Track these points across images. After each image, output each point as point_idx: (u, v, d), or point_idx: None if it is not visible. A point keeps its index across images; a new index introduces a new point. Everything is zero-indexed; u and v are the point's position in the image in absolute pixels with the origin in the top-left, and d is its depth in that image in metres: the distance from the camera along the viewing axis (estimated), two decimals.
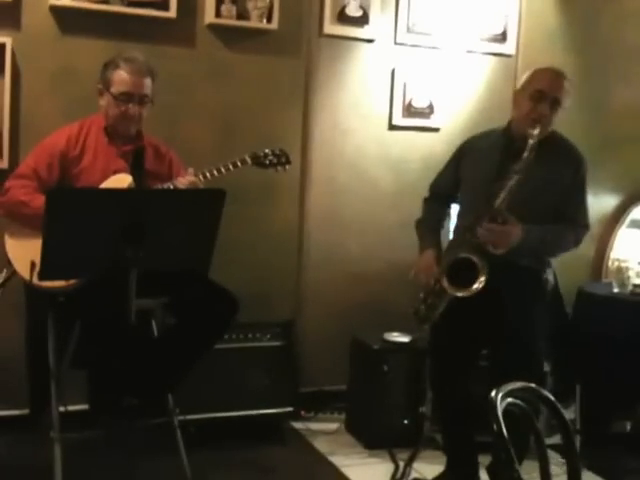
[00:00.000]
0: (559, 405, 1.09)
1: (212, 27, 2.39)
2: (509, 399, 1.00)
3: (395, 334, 2.43)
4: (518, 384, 1.03)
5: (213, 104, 2.42)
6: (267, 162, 1.98)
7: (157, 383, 1.87)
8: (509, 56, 2.76)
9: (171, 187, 1.85)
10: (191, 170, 1.88)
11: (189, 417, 2.10)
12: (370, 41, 2.61)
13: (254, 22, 2.41)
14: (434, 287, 1.85)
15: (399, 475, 2.15)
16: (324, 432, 2.42)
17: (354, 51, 2.60)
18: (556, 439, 1.15)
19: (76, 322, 1.80)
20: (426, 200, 2.08)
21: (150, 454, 1.63)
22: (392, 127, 2.66)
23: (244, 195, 2.31)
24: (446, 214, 2.06)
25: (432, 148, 2.65)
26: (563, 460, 1.14)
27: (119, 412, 1.68)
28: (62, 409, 1.79)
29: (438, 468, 2.08)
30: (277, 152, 1.99)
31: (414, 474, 2.17)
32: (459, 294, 1.78)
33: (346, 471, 2.16)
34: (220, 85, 2.42)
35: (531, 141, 1.75)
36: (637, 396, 2.43)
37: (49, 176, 1.84)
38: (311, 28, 2.52)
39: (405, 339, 2.41)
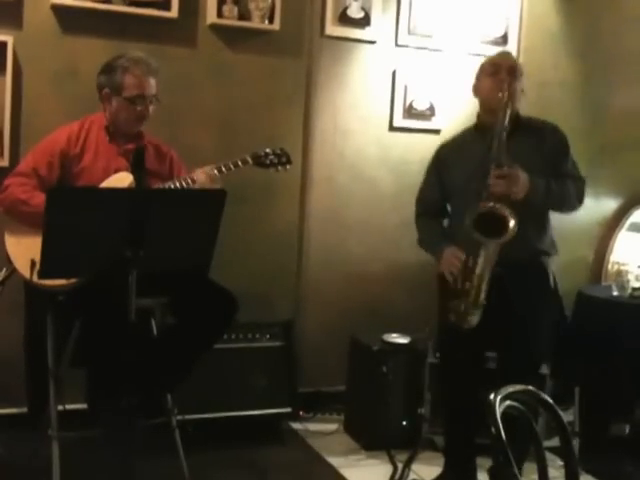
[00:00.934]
0: (557, 408, 1.09)
1: (214, 27, 2.40)
2: (508, 402, 1.00)
3: (394, 335, 2.43)
4: (517, 387, 1.03)
5: (214, 104, 2.42)
6: (268, 162, 1.98)
7: (156, 383, 1.87)
8: None
9: (172, 186, 1.85)
10: (210, 167, 1.88)
11: (187, 417, 2.10)
12: (371, 43, 2.61)
13: (256, 23, 2.41)
14: (467, 265, 1.76)
15: (397, 476, 2.15)
16: (322, 433, 2.42)
17: (355, 52, 2.60)
18: (555, 441, 1.14)
19: (75, 321, 1.80)
20: (418, 217, 2.04)
21: (148, 454, 1.63)
22: (392, 128, 2.67)
23: (245, 195, 2.32)
24: (443, 225, 2.03)
25: (432, 150, 2.62)
26: (562, 463, 1.14)
27: (117, 411, 1.68)
28: (60, 408, 1.79)
29: (436, 470, 2.08)
30: (278, 152, 1.99)
31: (412, 475, 2.17)
32: (500, 242, 1.70)
33: (344, 472, 2.16)
34: (221, 85, 2.42)
35: (504, 113, 1.75)
36: (636, 399, 2.43)
37: (49, 175, 1.84)
38: (313, 29, 2.53)
39: (404, 340, 2.41)
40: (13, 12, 2.17)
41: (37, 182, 1.83)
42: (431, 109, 2.70)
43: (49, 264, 1.49)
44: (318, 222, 2.61)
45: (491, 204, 1.74)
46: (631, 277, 2.53)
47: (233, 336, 2.31)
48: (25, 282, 1.80)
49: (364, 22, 2.58)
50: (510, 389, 1.01)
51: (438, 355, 2.18)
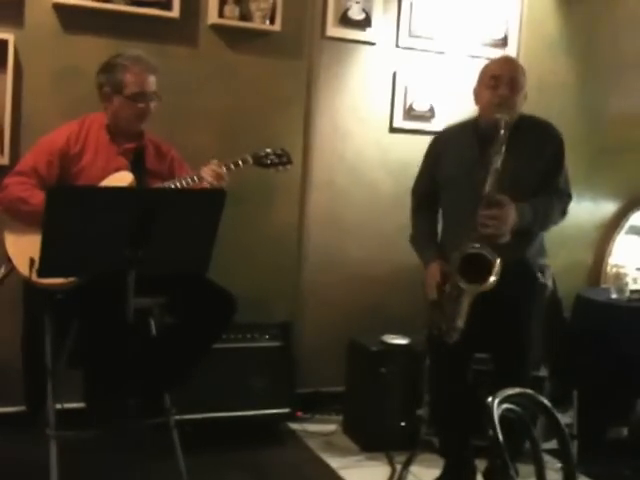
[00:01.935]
0: (555, 411, 1.09)
1: (215, 28, 2.40)
2: (505, 405, 1.00)
3: (393, 336, 2.43)
4: (515, 390, 1.03)
5: (214, 104, 2.42)
6: (268, 162, 1.97)
7: (155, 383, 1.87)
8: None
9: (177, 184, 1.84)
10: (215, 161, 1.87)
11: (186, 417, 2.10)
12: (372, 44, 2.61)
13: (257, 23, 2.41)
14: (450, 294, 1.79)
15: (396, 478, 2.15)
16: (321, 433, 2.42)
17: (356, 54, 2.60)
18: (553, 444, 1.15)
19: (73, 321, 1.80)
20: (414, 211, 2.03)
21: (146, 453, 1.63)
22: (393, 130, 2.67)
23: (244, 197, 2.31)
24: (436, 221, 2.02)
25: None
26: (560, 465, 1.14)
27: (115, 411, 1.68)
28: (59, 406, 1.79)
29: (435, 472, 2.08)
30: (278, 152, 1.99)
31: (411, 477, 2.17)
32: (479, 289, 1.73)
33: (342, 473, 2.15)
34: (222, 86, 2.42)
35: (502, 122, 1.74)
36: (634, 402, 2.44)
37: (48, 174, 1.84)
38: (313, 30, 2.53)
39: (403, 341, 2.42)
40: (14, 10, 2.17)
41: (36, 181, 1.82)
42: (431, 111, 2.70)
43: (48, 263, 1.49)
44: (317, 223, 2.61)
45: (478, 247, 1.73)
46: (629, 280, 2.53)
47: (232, 336, 2.31)
48: (24, 281, 1.79)
49: (365, 24, 2.58)
50: (508, 392, 1.01)
51: (429, 360, 2.18)
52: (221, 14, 2.37)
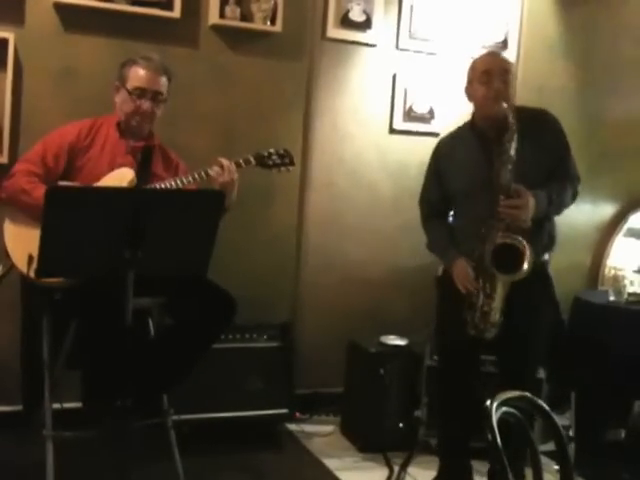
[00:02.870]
0: (553, 415, 1.10)
1: (216, 28, 2.40)
2: (504, 408, 1.01)
3: (392, 338, 2.43)
4: (514, 393, 1.03)
5: (215, 105, 2.42)
6: (271, 162, 1.97)
7: (153, 384, 1.86)
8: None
9: (174, 183, 1.84)
10: (224, 159, 1.86)
11: (183, 417, 2.10)
12: (372, 46, 2.61)
13: (258, 24, 2.41)
14: (484, 288, 1.79)
15: (393, 479, 2.15)
16: (319, 434, 2.42)
17: (356, 55, 2.60)
18: (551, 445, 1.15)
19: (71, 321, 1.79)
20: (426, 220, 2.03)
21: (143, 454, 1.62)
22: (392, 131, 2.67)
23: (244, 198, 2.29)
24: (448, 226, 2.02)
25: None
26: (557, 467, 1.14)
27: (113, 411, 1.68)
28: (57, 405, 1.79)
29: (432, 473, 2.08)
30: (281, 152, 1.98)
31: (408, 479, 2.17)
32: (514, 278, 1.72)
33: (340, 474, 2.16)
34: (222, 87, 2.42)
35: (509, 111, 1.75)
36: (632, 405, 2.44)
37: (55, 166, 1.85)
38: (314, 31, 2.53)
39: (402, 343, 2.42)
40: (15, 9, 2.17)
41: (43, 171, 1.83)
42: (431, 112, 2.70)
43: (46, 263, 1.49)
44: (316, 224, 2.61)
45: (509, 237, 1.74)
46: (627, 282, 2.54)
47: (230, 336, 2.31)
48: (22, 279, 1.79)
49: (365, 25, 2.58)
50: (506, 395, 1.01)
51: (436, 358, 2.18)
52: (222, 14, 2.37)
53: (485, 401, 1.02)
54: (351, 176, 2.64)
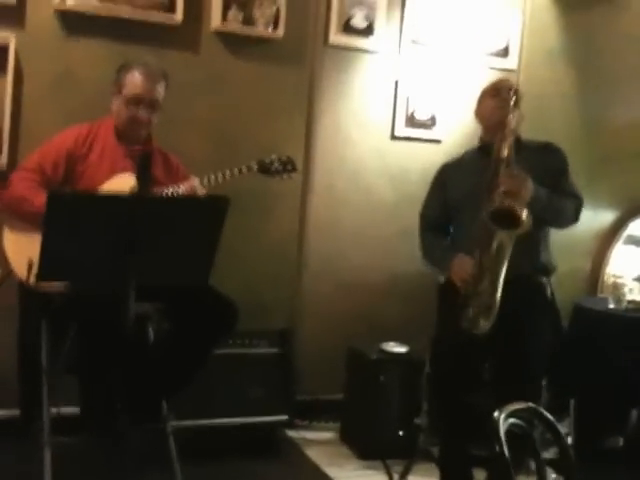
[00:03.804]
0: (559, 427, 1.09)
1: (217, 33, 2.39)
2: (511, 420, 1.00)
3: (392, 344, 2.43)
4: (520, 404, 1.03)
5: (216, 111, 2.41)
6: (273, 169, 1.97)
7: (152, 390, 1.85)
8: (511, 71, 2.77)
9: (171, 191, 1.84)
10: (195, 178, 1.87)
11: (183, 423, 2.09)
12: (374, 52, 2.62)
13: (260, 29, 2.41)
14: (480, 266, 1.77)
15: None
16: (318, 441, 2.42)
17: (358, 62, 2.61)
18: (549, 453, 1.14)
19: (70, 327, 1.78)
20: (424, 232, 2.06)
21: (142, 461, 1.61)
22: (394, 137, 2.67)
23: (244, 204, 2.30)
24: (446, 240, 2.04)
25: (433, 160, 2.63)
26: (555, 476, 1.14)
27: (111, 418, 1.67)
28: (55, 410, 1.77)
29: None
30: (284, 159, 1.98)
31: None
32: (516, 232, 1.70)
33: None
34: (223, 92, 2.42)
35: (511, 131, 1.80)
36: (630, 412, 2.44)
37: (54, 173, 1.83)
38: (316, 37, 2.53)
39: (402, 349, 2.41)
40: (16, 14, 2.16)
41: (41, 179, 1.82)
42: (432, 119, 2.70)
43: (48, 267, 1.48)
44: (317, 230, 2.61)
45: (507, 201, 1.73)
46: (627, 290, 2.54)
47: (230, 342, 2.29)
48: (20, 286, 1.78)
49: (368, 32, 2.58)
50: (513, 407, 1.01)
51: (435, 365, 2.17)
52: (224, 18, 2.36)
53: (486, 409, 1.01)
54: (352, 182, 2.64)
